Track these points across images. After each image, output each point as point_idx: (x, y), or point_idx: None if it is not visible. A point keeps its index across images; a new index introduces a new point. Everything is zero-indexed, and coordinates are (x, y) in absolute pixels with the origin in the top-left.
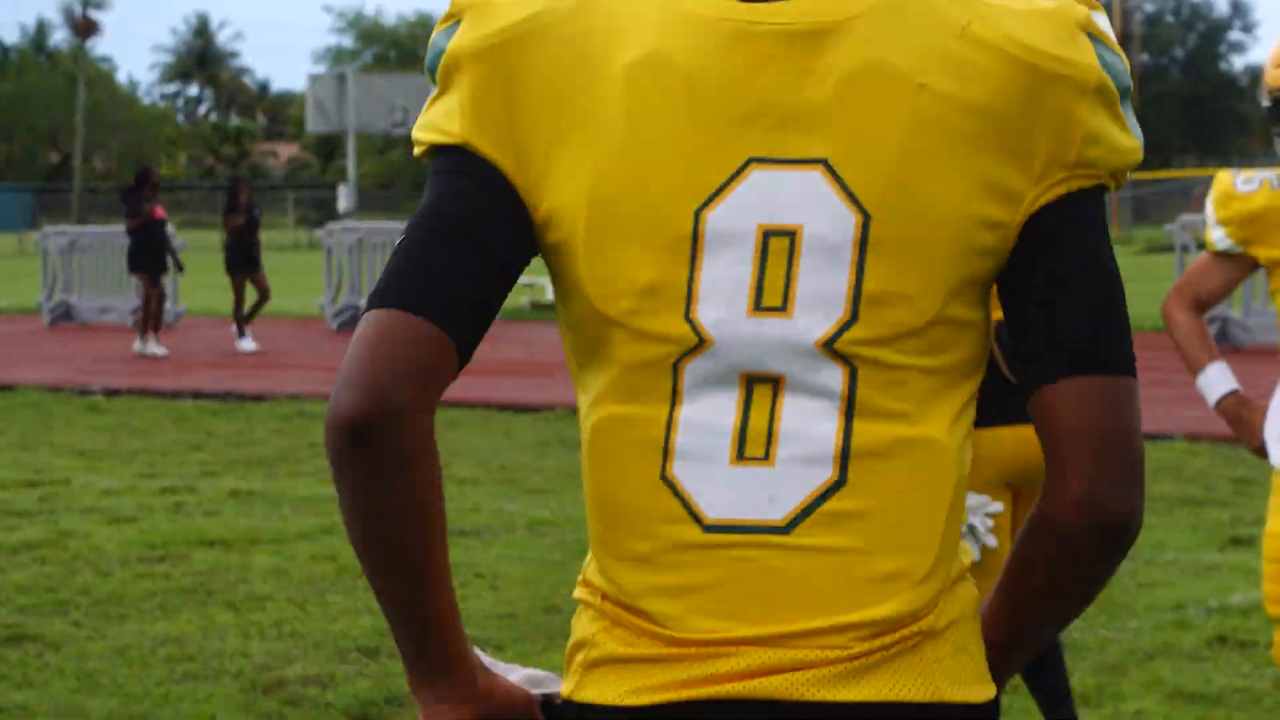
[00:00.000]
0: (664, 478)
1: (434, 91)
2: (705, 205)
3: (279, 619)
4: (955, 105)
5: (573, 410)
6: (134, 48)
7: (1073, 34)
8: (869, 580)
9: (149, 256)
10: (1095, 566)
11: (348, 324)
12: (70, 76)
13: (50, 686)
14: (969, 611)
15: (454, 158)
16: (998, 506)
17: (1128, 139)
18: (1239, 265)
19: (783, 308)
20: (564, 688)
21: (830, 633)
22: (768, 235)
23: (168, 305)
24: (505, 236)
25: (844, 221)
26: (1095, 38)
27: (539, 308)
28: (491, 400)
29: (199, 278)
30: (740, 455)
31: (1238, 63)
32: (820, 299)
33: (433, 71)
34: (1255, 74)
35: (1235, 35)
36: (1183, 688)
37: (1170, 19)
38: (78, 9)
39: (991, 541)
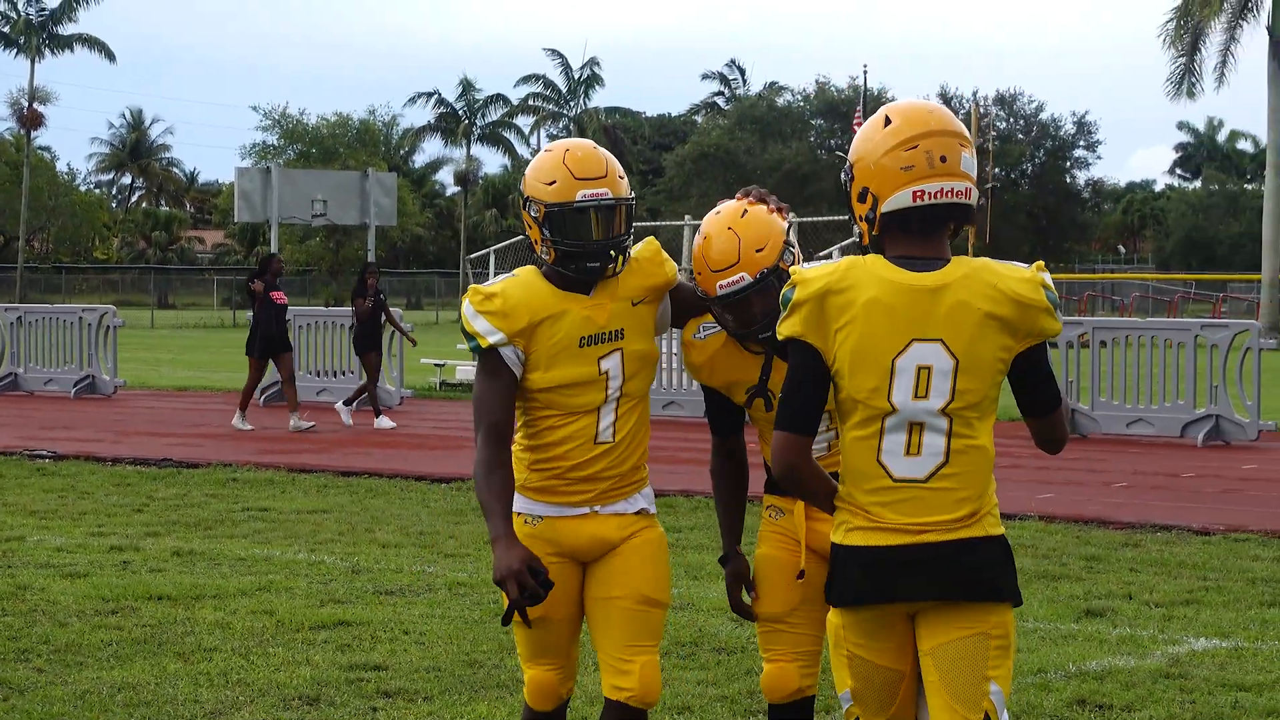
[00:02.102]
0: (878, 460)
1: (785, 311)
2: (896, 356)
3: (225, 669)
4: (991, 316)
5: None
6: (73, 139)
7: (1036, 287)
8: (957, 501)
9: (264, 338)
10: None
11: (274, 398)
12: (14, 164)
13: None
14: (995, 509)
15: (795, 343)
16: None
17: (1056, 324)
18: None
19: (926, 396)
20: (835, 538)
21: (943, 521)
22: (919, 368)
23: (105, 378)
24: (826, 376)
25: (948, 362)
26: (1044, 286)
27: (448, 387)
28: (407, 472)
29: (133, 353)
30: (907, 452)
31: (1081, 177)
32: (940, 392)
33: (784, 304)
34: (1097, 187)
35: (1079, 152)
36: None
37: (1021, 137)
38: (24, 102)
39: None
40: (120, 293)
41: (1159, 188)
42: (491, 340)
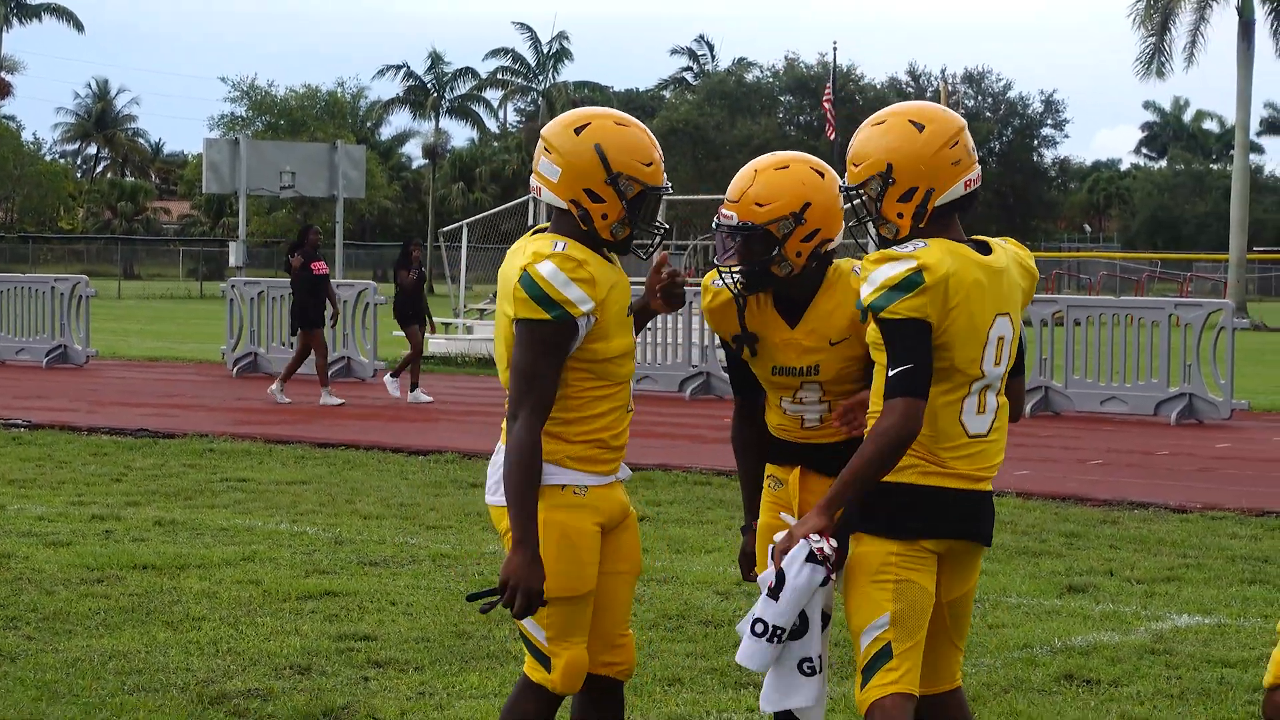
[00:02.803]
0: (959, 420)
1: (913, 293)
2: (989, 328)
3: (215, 638)
4: (1022, 287)
5: (460, 455)
6: (39, 108)
7: (1029, 257)
8: (1000, 449)
9: (313, 309)
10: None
11: (247, 369)
12: None
13: (13, 695)
14: None
15: (918, 323)
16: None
17: None
18: None
19: (1000, 362)
20: (908, 479)
21: (993, 466)
22: (999, 338)
23: (77, 347)
24: (932, 346)
25: (1012, 331)
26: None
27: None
28: (385, 444)
29: (101, 324)
30: (978, 411)
31: (1048, 155)
32: (1006, 357)
33: (911, 286)
34: (1064, 165)
35: (1047, 130)
36: (1037, 719)
37: (989, 115)
38: None
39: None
40: (86, 263)
41: (1124, 167)
42: (584, 309)
